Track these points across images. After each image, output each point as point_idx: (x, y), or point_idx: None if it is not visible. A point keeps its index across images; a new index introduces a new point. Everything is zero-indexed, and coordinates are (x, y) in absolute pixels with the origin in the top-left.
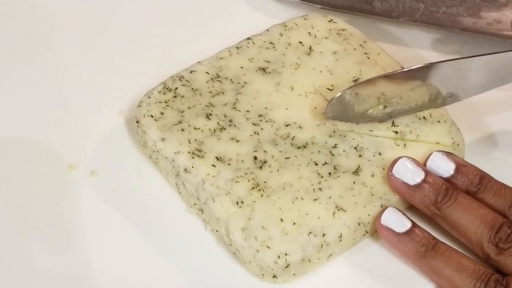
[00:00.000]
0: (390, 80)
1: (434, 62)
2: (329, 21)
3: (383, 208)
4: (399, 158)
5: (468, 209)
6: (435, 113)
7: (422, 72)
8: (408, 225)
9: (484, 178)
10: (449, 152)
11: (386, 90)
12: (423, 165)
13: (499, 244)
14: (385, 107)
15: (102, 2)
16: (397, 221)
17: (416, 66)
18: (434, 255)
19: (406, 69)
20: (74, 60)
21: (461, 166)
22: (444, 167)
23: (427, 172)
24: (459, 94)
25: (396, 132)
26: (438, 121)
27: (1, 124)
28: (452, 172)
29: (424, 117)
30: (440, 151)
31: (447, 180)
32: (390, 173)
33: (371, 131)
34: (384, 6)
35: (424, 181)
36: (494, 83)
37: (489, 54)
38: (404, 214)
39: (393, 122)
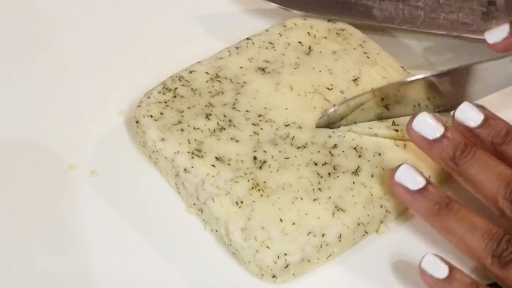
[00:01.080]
0: (383, 93)
1: (427, 76)
2: (328, 21)
3: (398, 165)
4: (419, 112)
5: (486, 165)
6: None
7: (417, 85)
8: (422, 182)
9: (511, 132)
10: (479, 104)
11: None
12: (443, 120)
13: None
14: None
15: (102, 2)
16: (411, 178)
17: (411, 78)
18: (447, 214)
19: (397, 82)
20: (74, 60)
21: (490, 118)
22: (472, 117)
23: (447, 127)
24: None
25: (397, 131)
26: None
27: (1, 124)
28: (479, 122)
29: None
30: (471, 102)
31: (473, 131)
32: (409, 126)
33: (371, 128)
34: (384, 14)
35: (443, 136)
36: (490, 91)
37: (481, 62)
38: (418, 171)
39: (393, 121)
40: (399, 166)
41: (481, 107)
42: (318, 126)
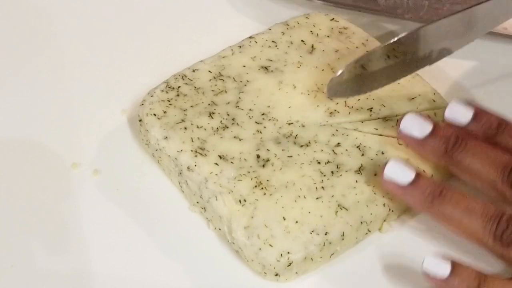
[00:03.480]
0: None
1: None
2: (331, 20)
3: (386, 161)
4: (406, 113)
5: (480, 153)
6: (440, 112)
7: (413, 37)
8: (411, 175)
9: (503, 122)
10: (468, 100)
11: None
12: (430, 118)
13: None
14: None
15: (104, 1)
16: (400, 173)
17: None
18: (442, 202)
19: (398, 38)
20: (77, 59)
21: (480, 112)
22: (463, 113)
23: (436, 123)
24: (451, 47)
25: None
26: (443, 121)
27: (4, 123)
28: (470, 118)
29: (429, 116)
30: (459, 98)
31: (465, 127)
32: (398, 129)
33: (376, 129)
34: (388, 3)
35: (432, 132)
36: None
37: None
38: (407, 164)
39: (397, 121)
40: (386, 162)
41: (470, 103)
42: (329, 96)
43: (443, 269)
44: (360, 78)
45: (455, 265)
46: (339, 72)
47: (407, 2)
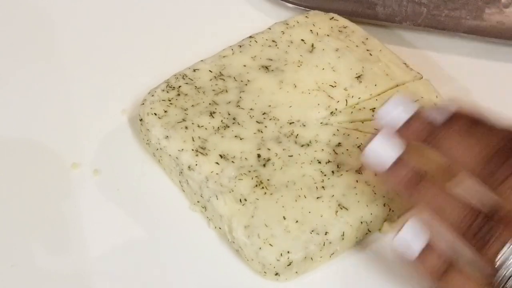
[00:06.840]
0: None
1: None
2: (331, 19)
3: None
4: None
5: (455, 144)
6: None
7: None
8: (392, 159)
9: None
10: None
11: None
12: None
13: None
14: None
15: (104, 1)
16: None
17: None
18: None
19: None
20: (77, 59)
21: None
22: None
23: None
24: None
25: None
26: None
27: (4, 123)
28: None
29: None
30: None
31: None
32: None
33: (377, 129)
34: (387, 11)
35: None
36: None
37: None
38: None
39: None
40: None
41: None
42: None
43: (412, 250)
44: None
45: (424, 250)
46: None
47: (405, 9)
